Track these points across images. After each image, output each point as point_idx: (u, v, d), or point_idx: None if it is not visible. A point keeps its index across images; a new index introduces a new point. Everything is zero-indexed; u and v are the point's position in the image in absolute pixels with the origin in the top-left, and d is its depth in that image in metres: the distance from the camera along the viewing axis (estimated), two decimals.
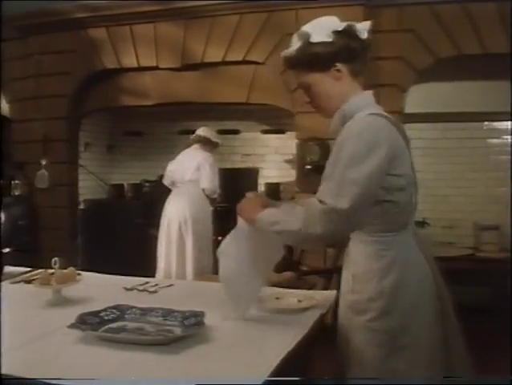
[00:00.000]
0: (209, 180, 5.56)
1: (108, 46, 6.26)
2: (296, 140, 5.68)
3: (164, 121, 7.37)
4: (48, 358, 1.73)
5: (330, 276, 3.57)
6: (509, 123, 5.82)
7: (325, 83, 2.10)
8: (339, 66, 2.08)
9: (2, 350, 1.74)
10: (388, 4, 5.26)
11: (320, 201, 1.92)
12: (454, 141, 6.03)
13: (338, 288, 2.27)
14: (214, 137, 5.82)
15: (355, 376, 2.06)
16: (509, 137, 5.91)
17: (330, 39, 2.06)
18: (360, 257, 2.09)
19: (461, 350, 2.11)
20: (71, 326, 1.88)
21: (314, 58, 2.08)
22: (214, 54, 5.82)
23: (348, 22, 2.10)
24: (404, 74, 5.27)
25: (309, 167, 5.44)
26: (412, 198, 2.13)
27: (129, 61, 6.21)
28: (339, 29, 2.07)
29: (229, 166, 7.05)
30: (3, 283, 2.77)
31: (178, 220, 5.52)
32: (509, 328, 3.71)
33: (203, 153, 5.70)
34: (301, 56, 2.10)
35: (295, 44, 2.12)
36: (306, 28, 2.12)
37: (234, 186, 6.61)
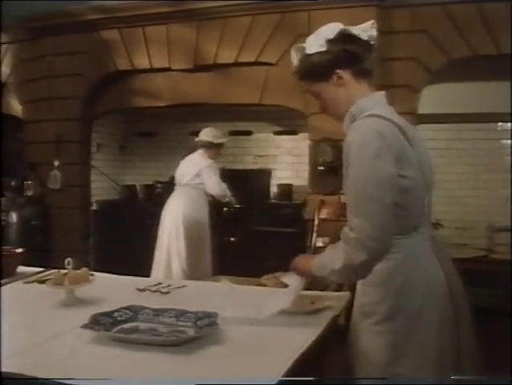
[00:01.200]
0: (215, 186, 5.46)
1: (121, 48, 6.27)
2: (309, 141, 5.67)
3: (176, 122, 7.37)
4: (61, 358, 1.72)
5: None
6: None
7: (329, 90, 2.11)
8: (339, 72, 2.08)
9: (15, 350, 1.74)
10: (401, 4, 5.24)
11: (351, 229, 1.90)
12: (468, 142, 5.99)
13: (350, 290, 2.28)
14: (217, 138, 5.60)
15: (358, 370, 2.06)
16: None
17: (324, 48, 2.07)
18: None
19: (472, 356, 2.09)
20: (85, 326, 1.88)
21: (313, 69, 2.10)
22: (227, 56, 5.82)
23: (342, 27, 2.09)
24: (417, 75, 5.25)
25: (322, 168, 5.42)
26: (424, 200, 2.09)
27: (141, 62, 6.22)
28: (332, 36, 2.07)
29: (241, 167, 7.05)
30: (16, 283, 2.79)
31: (170, 223, 5.48)
32: None
33: (206, 160, 5.54)
34: (302, 68, 2.14)
35: (295, 58, 2.16)
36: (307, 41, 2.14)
37: (246, 187, 6.62)
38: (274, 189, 6.88)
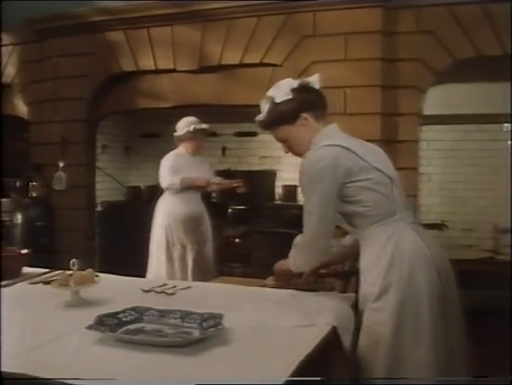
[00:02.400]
0: (162, 179, 5.25)
1: (126, 49, 6.28)
2: None
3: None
4: (66, 359, 1.72)
5: (348, 279, 3.55)
6: None
7: (295, 132, 2.52)
8: (304, 115, 2.50)
9: (20, 350, 1.74)
10: (406, 5, 5.23)
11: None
12: (474, 143, 5.97)
13: (355, 291, 2.40)
14: (178, 131, 5.29)
15: (368, 357, 2.30)
16: None
17: (290, 96, 2.49)
18: (361, 251, 2.45)
19: (463, 353, 2.33)
20: (90, 327, 1.88)
21: (282, 115, 2.50)
22: (232, 57, 5.82)
23: (300, 80, 2.55)
24: (422, 76, 5.23)
25: None
26: (392, 191, 2.43)
27: (146, 63, 6.22)
28: (295, 86, 2.50)
29: (246, 168, 7.04)
30: (21, 284, 2.79)
31: (162, 224, 5.33)
32: None
33: (169, 155, 5.32)
34: (272, 116, 2.53)
35: (264, 108, 2.55)
36: (270, 93, 2.54)
37: (251, 188, 6.61)
38: (278, 190, 6.87)
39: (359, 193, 2.36)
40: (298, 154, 2.56)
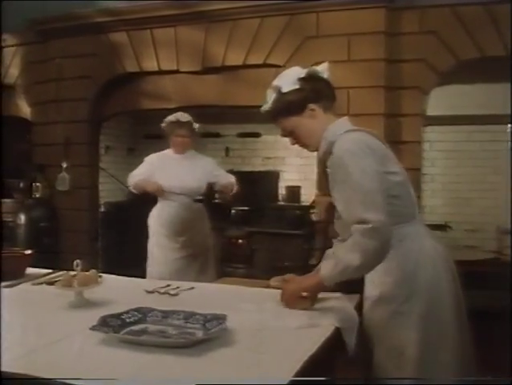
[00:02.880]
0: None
1: (129, 50, 6.28)
2: None
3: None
4: (70, 359, 1.72)
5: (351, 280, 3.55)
6: None
7: (304, 123, 2.43)
8: (312, 106, 2.41)
9: (24, 351, 1.74)
10: (410, 6, 5.23)
11: (358, 222, 2.12)
12: (477, 144, 5.97)
13: (359, 292, 2.38)
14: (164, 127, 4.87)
15: (387, 362, 2.27)
16: None
17: (297, 86, 2.39)
18: None
19: (472, 355, 2.33)
20: (93, 328, 1.88)
21: (288, 105, 2.41)
22: (235, 58, 5.82)
23: (309, 68, 2.46)
24: (426, 77, 5.23)
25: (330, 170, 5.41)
26: (411, 191, 2.40)
27: (150, 64, 6.23)
28: (303, 75, 2.42)
29: (249, 169, 7.04)
30: (25, 284, 2.79)
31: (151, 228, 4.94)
32: None
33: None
34: (278, 106, 2.43)
35: (270, 97, 2.46)
36: (276, 82, 2.45)
37: (255, 189, 6.61)
38: (282, 191, 6.86)
39: (396, 186, 2.29)
40: (306, 146, 2.50)
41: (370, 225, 2.08)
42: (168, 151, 4.87)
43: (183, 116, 4.77)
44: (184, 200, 4.69)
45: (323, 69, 2.48)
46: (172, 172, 4.70)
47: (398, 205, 2.28)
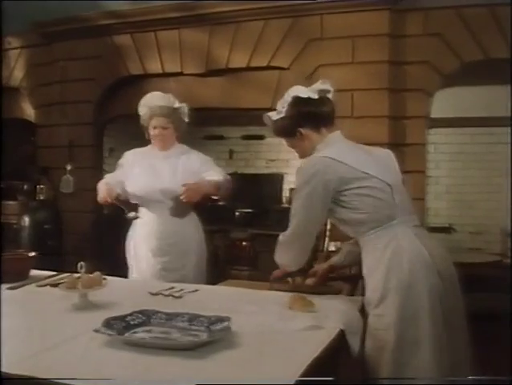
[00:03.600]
0: None
1: (133, 53, 6.28)
2: None
3: (188, 126, 7.38)
4: (74, 361, 1.72)
5: (355, 282, 3.54)
6: None
7: (297, 144, 2.62)
8: (301, 130, 2.56)
9: (28, 353, 1.74)
10: (414, 8, 5.22)
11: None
12: (482, 146, 5.95)
13: (363, 294, 2.42)
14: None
15: (372, 363, 2.32)
16: None
17: (283, 114, 2.57)
18: (363, 257, 2.47)
19: (467, 356, 2.37)
20: (98, 330, 1.88)
21: (281, 130, 2.65)
22: (239, 60, 5.82)
23: (293, 95, 2.56)
24: (430, 79, 5.22)
25: None
26: (391, 196, 2.45)
27: (154, 67, 6.23)
28: (289, 100, 2.56)
29: (253, 171, 7.04)
30: (29, 286, 2.79)
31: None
32: None
33: None
34: (274, 130, 2.69)
35: (267, 122, 2.69)
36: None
37: (259, 192, 6.61)
38: (286, 194, 6.85)
39: (354, 200, 2.41)
40: None
41: (283, 237, 2.71)
42: (151, 147, 3.88)
43: (159, 98, 3.83)
44: (165, 210, 3.62)
45: (315, 88, 2.57)
46: (146, 172, 3.70)
47: (359, 216, 2.43)
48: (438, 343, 2.24)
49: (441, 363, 2.24)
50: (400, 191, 2.51)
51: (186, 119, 3.94)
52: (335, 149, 2.48)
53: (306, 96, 2.55)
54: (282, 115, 2.57)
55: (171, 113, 3.77)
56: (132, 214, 3.62)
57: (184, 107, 3.91)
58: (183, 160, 3.76)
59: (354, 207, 2.41)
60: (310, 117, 2.54)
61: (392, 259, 2.32)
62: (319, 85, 2.58)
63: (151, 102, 3.84)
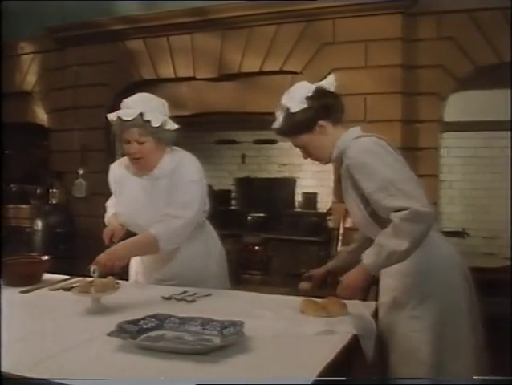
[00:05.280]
0: None
1: (146, 57, 6.31)
2: None
3: (200, 131, 7.36)
4: (87, 365, 1.73)
5: (367, 287, 3.54)
6: None
7: (314, 140, 2.44)
8: (321, 122, 2.42)
9: (41, 356, 1.74)
10: (427, 12, 5.20)
11: (396, 210, 2.16)
12: (495, 150, 5.90)
13: (376, 299, 2.38)
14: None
15: (402, 367, 2.27)
16: None
17: (305, 105, 2.40)
18: None
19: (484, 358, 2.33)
20: (111, 334, 1.88)
21: (298, 124, 2.43)
22: (251, 64, 5.82)
23: (316, 85, 2.45)
24: (443, 83, 5.20)
25: None
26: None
27: (166, 71, 6.25)
28: (310, 94, 2.42)
29: (265, 176, 7.02)
30: (42, 290, 2.80)
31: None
32: None
33: None
34: (288, 125, 2.45)
35: (279, 117, 2.48)
36: (284, 101, 2.46)
37: (271, 196, 6.61)
38: (298, 198, 6.84)
39: None
40: (318, 160, 2.54)
41: (408, 211, 2.11)
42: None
43: (127, 111, 2.99)
44: None
45: (330, 82, 2.49)
46: (128, 200, 3.06)
47: None
48: (475, 349, 2.25)
49: (477, 368, 2.24)
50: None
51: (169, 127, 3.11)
52: (370, 134, 2.41)
53: (327, 88, 2.46)
54: (304, 106, 2.40)
55: (145, 127, 2.93)
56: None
57: (161, 118, 3.06)
58: (163, 184, 2.95)
59: None
60: (332, 109, 2.45)
61: (430, 261, 2.27)
62: (332, 80, 2.50)
63: (121, 114, 3.01)
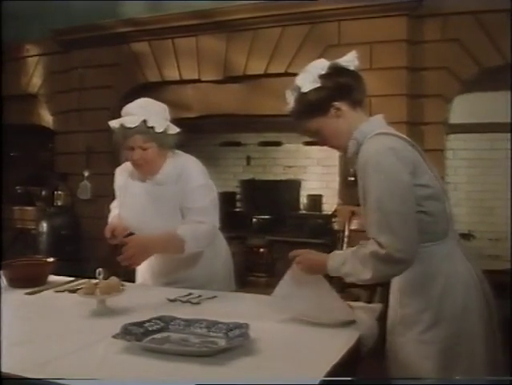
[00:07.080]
0: None
1: (151, 60, 6.31)
2: (339, 152, 5.62)
3: (205, 133, 7.37)
4: (92, 367, 1.72)
5: (374, 289, 3.53)
6: None
7: (329, 124, 2.17)
8: (336, 104, 2.15)
9: (46, 358, 1.74)
10: (432, 14, 5.19)
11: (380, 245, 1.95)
12: (501, 152, 5.88)
13: (381, 301, 2.31)
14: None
15: None
16: None
17: (318, 84, 2.14)
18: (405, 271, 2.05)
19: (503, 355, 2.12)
20: (116, 336, 1.88)
21: (310, 106, 2.16)
22: (256, 67, 5.82)
23: (331, 62, 2.19)
24: (448, 85, 5.19)
25: (352, 178, 5.38)
26: (446, 206, 2.14)
27: (171, 74, 6.25)
28: (323, 72, 2.16)
29: (271, 178, 7.02)
30: (47, 292, 2.80)
31: None
32: None
33: None
34: (299, 107, 2.20)
35: (290, 98, 2.24)
36: (296, 80, 2.21)
37: (276, 198, 6.60)
38: (303, 200, 6.84)
39: (426, 200, 2.05)
40: (334, 147, 2.28)
41: (383, 251, 1.93)
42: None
43: (130, 119, 3.02)
44: None
45: (349, 59, 2.23)
46: (131, 205, 3.08)
47: (426, 222, 2.03)
48: (494, 369, 2.03)
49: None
50: (448, 200, 2.19)
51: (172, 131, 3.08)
52: (389, 133, 2.14)
53: (345, 65, 2.20)
54: (318, 85, 2.14)
55: (149, 134, 2.95)
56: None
57: (164, 124, 3.04)
58: (168, 190, 2.96)
59: (423, 210, 2.04)
60: (349, 90, 2.16)
61: (448, 281, 2.02)
62: (353, 57, 2.25)
63: (125, 122, 3.05)
